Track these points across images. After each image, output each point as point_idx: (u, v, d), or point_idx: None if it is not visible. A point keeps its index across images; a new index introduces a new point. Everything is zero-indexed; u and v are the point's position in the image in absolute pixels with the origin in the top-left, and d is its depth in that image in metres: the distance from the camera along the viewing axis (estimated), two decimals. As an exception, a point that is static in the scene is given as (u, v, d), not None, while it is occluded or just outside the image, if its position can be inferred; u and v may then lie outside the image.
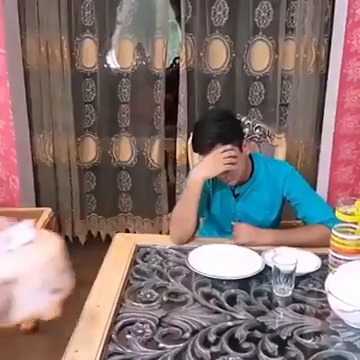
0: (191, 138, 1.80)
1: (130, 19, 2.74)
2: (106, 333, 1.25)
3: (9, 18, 2.56)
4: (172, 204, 2.71)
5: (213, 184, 1.87)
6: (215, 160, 1.65)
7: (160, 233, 3.02)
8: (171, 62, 3.61)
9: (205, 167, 1.68)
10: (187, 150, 2.34)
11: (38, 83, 2.78)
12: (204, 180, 1.70)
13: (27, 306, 1.08)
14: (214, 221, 1.96)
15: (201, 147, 1.71)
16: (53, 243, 1.23)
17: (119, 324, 1.29)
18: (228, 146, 1.65)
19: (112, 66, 2.87)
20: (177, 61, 3.17)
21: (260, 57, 2.72)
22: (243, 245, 1.71)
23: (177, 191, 2.86)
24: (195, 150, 1.75)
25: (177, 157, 2.80)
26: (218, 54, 2.73)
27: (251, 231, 1.74)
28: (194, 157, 2.26)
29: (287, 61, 2.70)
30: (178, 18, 2.83)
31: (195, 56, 2.71)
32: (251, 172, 1.83)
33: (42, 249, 1.18)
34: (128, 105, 2.84)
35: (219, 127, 1.68)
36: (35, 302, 1.08)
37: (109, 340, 1.23)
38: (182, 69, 2.69)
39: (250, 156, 1.84)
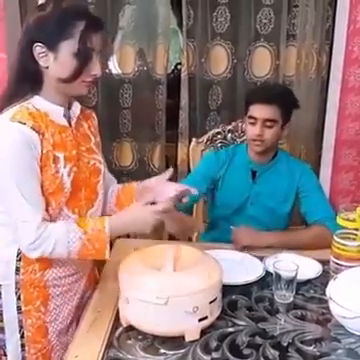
0: (247, 96, 1.97)
1: (132, 25, 2.74)
2: (107, 338, 1.25)
3: (11, 22, 2.56)
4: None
5: (227, 168, 1.96)
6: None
7: (160, 239, 3.01)
8: (172, 68, 3.63)
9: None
10: (188, 155, 2.34)
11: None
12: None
13: (175, 325, 1.21)
14: (223, 210, 1.99)
15: (259, 96, 1.88)
16: (215, 271, 1.29)
17: (120, 329, 1.29)
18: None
19: (113, 71, 2.87)
20: (178, 67, 3.18)
21: (261, 63, 2.72)
22: (243, 249, 1.71)
23: (178, 196, 2.86)
24: (251, 98, 1.90)
25: (178, 162, 2.80)
26: (219, 60, 2.73)
27: (250, 233, 1.76)
28: (195, 163, 2.27)
29: (288, 67, 2.71)
30: (180, 24, 2.84)
31: (196, 62, 2.71)
32: (273, 157, 1.96)
33: (203, 275, 1.26)
34: (129, 110, 2.85)
35: (282, 93, 1.92)
36: (182, 323, 1.21)
37: (109, 345, 1.23)
38: (183, 75, 2.69)
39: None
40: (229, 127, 2.29)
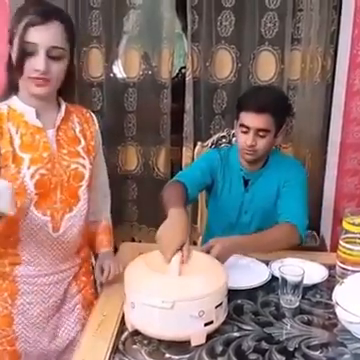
0: (238, 102, 1.86)
1: (136, 29, 2.75)
2: (112, 343, 1.25)
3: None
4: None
5: (224, 173, 1.92)
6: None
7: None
8: (177, 72, 3.63)
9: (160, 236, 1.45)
10: (193, 159, 2.34)
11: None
12: None
13: (180, 329, 1.20)
14: (219, 217, 1.97)
15: (250, 105, 1.77)
16: (220, 275, 1.29)
17: (125, 334, 1.29)
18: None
19: (118, 76, 2.88)
20: (183, 71, 3.18)
21: (266, 67, 2.72)
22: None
23: (183, 200, 2.86)
24: (241, 105, 1.81)
25: (183, 166, 2.79)
26: (224, 64, 2.73)
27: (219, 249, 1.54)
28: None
29: (293, 71, 2.70)
30: (184, 28, 2.84)
31: (201, 66, 2.71)
32: (265, 162, 1.91)
33: (209, 279, 1.26)
34: (134, 114, 2.85)
35: (276, 100, 1.79)
36: (188, 328, 1.20)
37: (115, 350, 1.23)
38: (188, 79, 2.70)
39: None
40: (233, 131, 2.28)
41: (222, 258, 1.45)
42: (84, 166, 1.47)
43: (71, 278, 1.55)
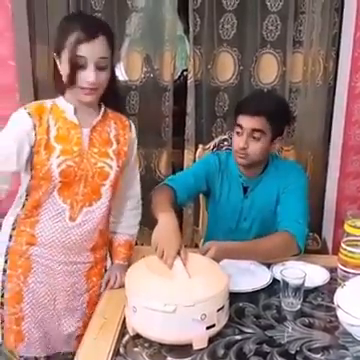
0: (237, 104, 1.87)
1: (139, 32, 2.75)
2: (113, 346, 1.25)
3: (19, 31, 2.58)
4: (179, 216, 2.71)
5: (222, 178, 1.90)
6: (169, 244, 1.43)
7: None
8: (179, 74, 3.63)
9: (155, 239, 1.46)
10: (195, 162, 2.34)
11: (48, 95, 2.78)
12: None
13: (182, 333, 1.21)
14: (218, 222, 1.96)
15: (247, 107, 1.77)
16: (222, 279, 1.30)
17: (127, 337, 1.29)
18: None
19: (120, 78, 2.88)
20: (185, 73, 3.18)
21: (268, 70, 2.72)
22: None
23: (184, 203, 2.86)
24: (239, 108, 1.80)
25: (184, 169, 2.79)
26: (226, 67, 2.74)
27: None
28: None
29: (295, 74, 2.70)
30: (186, 31, 2.85)
31: (203, 68, 2.72)
32: (264, 169, 1.87)
33: (211, 283, 1.27)
34: (136, 117, 2.85)
35: (273, 104, 1.78)
36: (190, 331, 1.20)
37: (116, 353, 1.23)
38: (190, 81, 2.70)
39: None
40: (234, 134, 2.29)
41: (215, 261, 1.44)
42: (111, 167, 1.56)
43: (82, 275, 1.61)
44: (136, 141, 1.72)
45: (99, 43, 1.42)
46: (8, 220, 1.59)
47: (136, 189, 1.74)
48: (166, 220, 1.50)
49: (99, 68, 1.43)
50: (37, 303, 1.57)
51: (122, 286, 1.47)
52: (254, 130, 1.74)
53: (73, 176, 1.49)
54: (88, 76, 1.42)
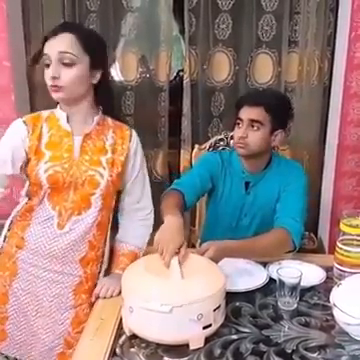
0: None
1: (134, 32, 2.75)
2: (110, 346, 1.25)
3: (14, 31, 2.58)
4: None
5: (225, 175, 1.91)
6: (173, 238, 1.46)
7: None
8: (175, 74, 3.63)
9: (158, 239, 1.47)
10: (191, 162, 2.34)
11: (43, 96, 2.78)
12: None
13: (179, 333, 1.20)
14: (219, 220, 1.96)
15: (246, 99, 1.83)
16: (219, 278, 1.30)
17: (123, 337, 1.29)
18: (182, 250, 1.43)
19: (116, 78, 2.88)
20: (181, 73, 3.18)
21: (263, 70, 2.73)
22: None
23: (181, 203, 2.85)
24: (239, 102, 1.84)
25: (181, 169, 2.80)
26: (221, 67, 2.74)
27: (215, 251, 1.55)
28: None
29: (290, 73, 2.71)
30: (182, 31, 2.85)
31: (199, 68, 2.72)
32: (267, 165, 1.89)
33: (208, 282, 1.26)
34: (132, 117, 2.85)
35: (272, 96, 1.86)
36: (187, 331, 1.20)
37: (113, 353, 1.23)
38: (186, 81, 2.70)
39: (271, 152, 1.90)
40: (231, 133, 2.28)
41: (214, 261, 1.44)
42: (102, 175, 1.53)
43: (69, 288, 1.56)
44: (140, 152, 1.65)
45: (61, 39, 1.43)
46: (7, 221, 1.62)
47: (145, 202, 1.72)
48: (171, 221, 1.52)
49: (64, 64, 1.43)
50: (20, 309, 1.57)
51: (115, 296, 1.49)
52: (253, 120, 1.77)
53: (61, 183, 1.49)
54: (49, 72, 1.44)
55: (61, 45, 1.42)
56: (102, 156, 1.54)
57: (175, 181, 1.94)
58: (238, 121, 1.82)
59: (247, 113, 1.79)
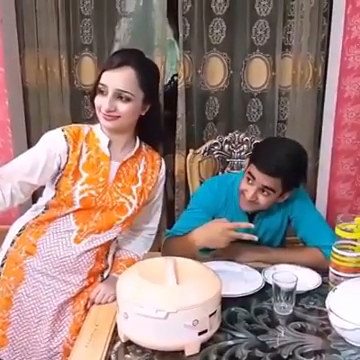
0: (254, 150, 1.87)
1: (128, 37, 2.75)
2: (105, 353, 1.24)
3: (8, 36, 2.57)
4: (171, 220, 2.71)
5: (226, 204, 1.86)
6: (221, 236, 1.59)
7: (159, 250, 3.00)
8: (169, 79, 3.64)
9: (209, 239, 1.62)
10: (186, 166, 2.34)
11: (37, 101, 2.78)
12: (201, 247, 1.70)
13: (174, 339, 1.20)
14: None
15: (264, 164, 1.66)
16: (214, 284, 1.30)
17: (118, 343, 1.28)
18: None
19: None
20: (175, 78, 3.18)
21: (257, 74, 2.74)
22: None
23: (176, 207, 2.84)
24: (255, 160, 1.70)
25: (175, 173, 2.79)
26: (216, 71, 2.74)
27: (242, 250, 1.71)
28: (193, 173, 2.27)
29: (284, 78, 2.72)
30: (176, 36, 2.85)
31: (193, 73, 2.72)
32: None
33: (203, 288, 1.26)
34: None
35: (292, 167, 1.67)
36: (182, 337, 1.20)
37: (108, 360, 1.22)
38: (180, 86, 2.70)
39: None
40: (226, 138, 2.29)
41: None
42: (131, 204, 1.58)
43: (70, 296, 1.57)
44: (163, 181, 1.71)
45: (121, 74, 1.45)
46: (14, 226, 1.62)
47: (154, 224, 1.76)
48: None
49: (120, 98, 1.45)
50: (23, 315, 1.56)
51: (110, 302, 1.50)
52: (266, 187, 1.68)
53: (92, 205, 1.52)
54: (104, 103, 1.45)
55: (120, 83, 1.44)
56: (133, 185, 1.59)
57: (174, 228, 1.89)
58: (249, 177, 1.71)
59: (262, 179, 1.67)
